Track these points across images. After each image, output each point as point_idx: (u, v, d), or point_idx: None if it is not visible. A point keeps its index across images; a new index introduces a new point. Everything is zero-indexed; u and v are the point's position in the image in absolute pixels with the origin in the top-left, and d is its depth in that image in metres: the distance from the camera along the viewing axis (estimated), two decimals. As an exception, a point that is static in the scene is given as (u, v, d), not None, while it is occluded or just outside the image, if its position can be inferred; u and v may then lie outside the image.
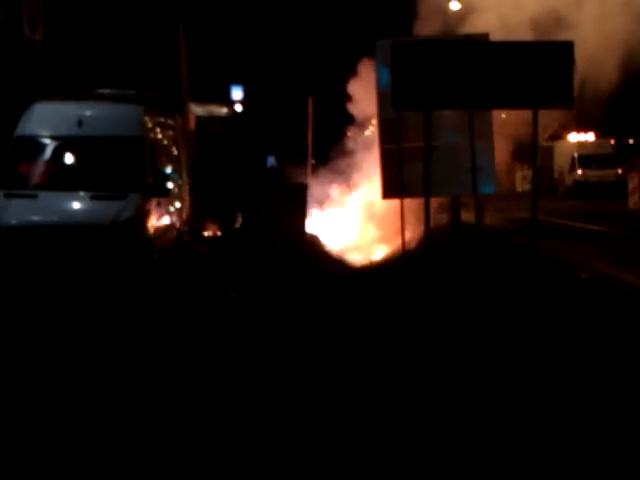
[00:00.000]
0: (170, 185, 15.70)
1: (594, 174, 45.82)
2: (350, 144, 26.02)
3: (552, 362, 9.13)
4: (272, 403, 7.98)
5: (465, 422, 7.38)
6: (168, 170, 16.10)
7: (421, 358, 9.45)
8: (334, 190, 25.20)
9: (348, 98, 24.25)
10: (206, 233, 21.34)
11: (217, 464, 6.63)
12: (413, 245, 16.33)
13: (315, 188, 24.72)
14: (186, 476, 6.47)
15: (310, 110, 25.60)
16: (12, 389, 8.56)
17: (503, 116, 20.04)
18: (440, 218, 19.68)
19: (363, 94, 22.11)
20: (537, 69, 11.99)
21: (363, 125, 24.64)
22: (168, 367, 9.39)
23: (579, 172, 46.84)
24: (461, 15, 22.58)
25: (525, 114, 12.45)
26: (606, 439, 6.93)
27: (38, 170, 14.91)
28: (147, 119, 15.30)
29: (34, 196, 14.26)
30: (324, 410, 7.76)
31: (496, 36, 16.47)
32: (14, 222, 13.80)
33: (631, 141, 50.59)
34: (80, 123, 14.76)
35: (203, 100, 27.09)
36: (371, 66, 18.75)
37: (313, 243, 20.00)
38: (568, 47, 12.11)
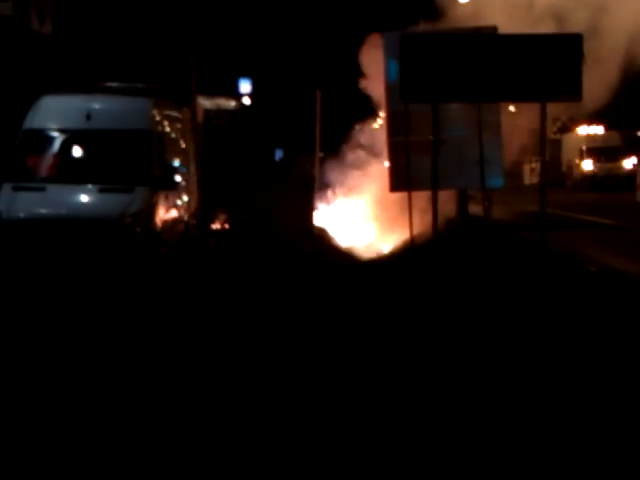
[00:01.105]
0: (178, 178, 15.71)
1: (603, 167, 45.72)
2: (358, 137, 26.01)
3: (561, 355, 9.11)
4: (275, 398, 7.98)
5: (472, 415, 7.38)
6: (176, 163, 16.11)
7: (427, 353, 9.45)
8: (342, 183, 25.20)
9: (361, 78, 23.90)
10: (214, 226, 21.34)
11: (220, 459, 6.64)
12: (421, 238, 16.31)
13: (323, 181, 24.73)
14: (187, 474, 6.47)
15: (318, 103, 25.58)
16: (17, 380, 8.58)
17: (511, 109, 19.99)
18: (448, 211, 19.65)
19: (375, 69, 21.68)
20: (546, 62, 11.95)
21: (378, 105, 24.22)
22: (174, 360, 9.40)
23: (588, 165, 46.73)
24: None
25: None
26: (616, 433, 6.93)
27: (46, 163, 14.92)
28: (155, 112, 15.30)
29: (42, 189, 14.28)
30: (327, 406, 7.76)
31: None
32: (22, 215, 13.82)
33: (640, 133, 50.47)
34: (88, 116, 14.77)
35: (211, 93, 27.04)
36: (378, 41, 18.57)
37: (321, 236, 19.99)
38: (577, 39, 12.08)
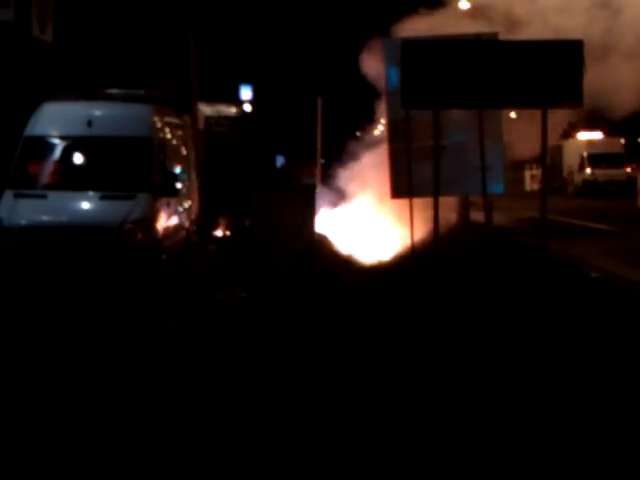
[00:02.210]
0: (179, 185, 15.70)
1: (604, 173, 45.74)
2: (359, 144, 26.00)
3: (562, 361, 9.11)
4: (276, 403, 7.98)
5: (472, 419, 7.38)
6: (177, 170, 16.10)
7: (428, 358, 9.44)
8: (343, 190, 25.19)
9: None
10: (215, 233, 21.35)
11: (220, 460, 6.63)
12: (422, 245, 16.31)
13: (324, 188, 24.73)
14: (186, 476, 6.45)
15: (319, 110, 25.60)
16: (13, 390, 8.56)
17: (512, 115, 20.00)
18: (449, 218, 19.65)
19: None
20: (547, 68, 11.96)
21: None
22: (174, 367, 9.40)
23: (588, 171, 46.74)
24: None
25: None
26: (617, 438, 6.92)
27: (47, 170, 14.92)
28: (156, 119, 15.30)
29: (43, 196, 14.28)
30: (328, 411, 7.75)
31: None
32: (24, 222, 13.82)
33: (641, 140, 50.53)
34: (89, 123, 14.76)
35: (212, 100, 27.09)
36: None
37: (322, 243, 19.99)
38: (578, 46, 12.08)
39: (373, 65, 21.37)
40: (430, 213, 13.52)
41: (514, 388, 8.25)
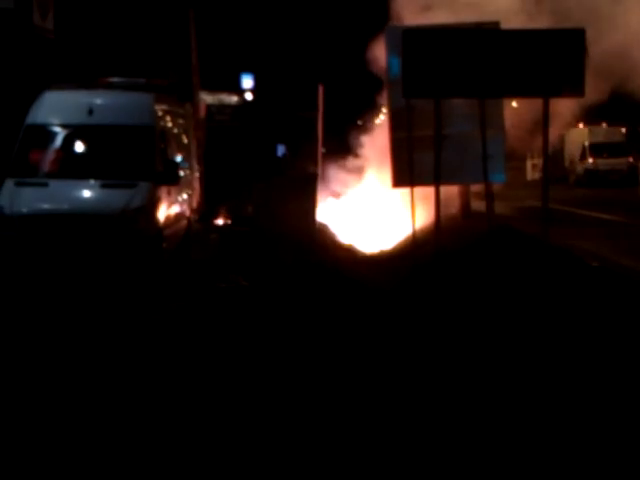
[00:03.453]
0: (180, 173, 15.71)
1: (605, 162, 45.66)
2: (360, 133, 25.97)
3: (561, 350, 9.11)
4: (277, 396, 7.99)
5: (471, 414, 7.39)
6: (178, 159, 16.10)
7: (430, 350, 9.45)
8: (345, 178, 25.19)
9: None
10: (216, 221, 21.35)
11: (220, 459, 6.64)
12: (423, 234, 16.31)
13: (326, 176, 24.73)
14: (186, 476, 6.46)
15: (321, 98, 25.55)
16: (13, 383, 8.57)
17: (514, 105, 19.97)
18: (450, 207, 19.64)
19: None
20: (548, 57, 11.94)
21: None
22: (176, 357, 9.41)
23: (590, 160, 46.66)
24: None
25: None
26: (617, 431, 6.92)
27: (49, 159, 14.92)
28: (157, 108, 15.29)
29: (45, 184, 14.28)
30: (329, 407, 7.75)
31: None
32: (25, 210, 13.83)
33: (642, 129, 50.40)
34: (90, 112, 14.76)
35: (213, 88, 27.07)
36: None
37: (323, 232, 19.99)
38: (580, 35, 12.06)
39: (380, 55, 21.31)
40: (431, 202, 13.52)
41: (514, 378, 8.26)
